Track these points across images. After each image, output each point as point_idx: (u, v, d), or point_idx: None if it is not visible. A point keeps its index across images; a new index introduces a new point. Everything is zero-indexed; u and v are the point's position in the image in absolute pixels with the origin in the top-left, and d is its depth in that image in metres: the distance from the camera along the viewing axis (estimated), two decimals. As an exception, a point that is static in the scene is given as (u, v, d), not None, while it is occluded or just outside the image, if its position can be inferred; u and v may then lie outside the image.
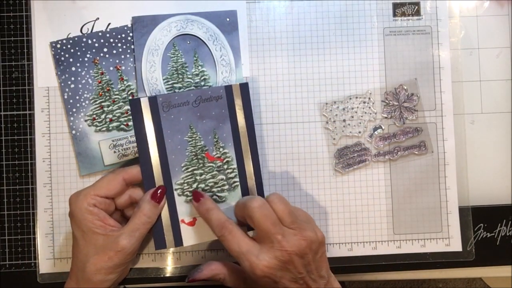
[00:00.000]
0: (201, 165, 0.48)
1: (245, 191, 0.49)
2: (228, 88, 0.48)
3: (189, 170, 0.48)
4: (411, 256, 0.52)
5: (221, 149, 0.48)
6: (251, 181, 0.49)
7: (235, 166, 0.49)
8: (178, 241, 0.48)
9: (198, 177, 0.48)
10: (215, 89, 0.48)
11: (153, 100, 0.47)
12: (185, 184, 0.48)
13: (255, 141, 0.49)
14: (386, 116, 0.52)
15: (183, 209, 0.48)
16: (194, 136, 0.48)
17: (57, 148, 0.51)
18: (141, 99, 0.47)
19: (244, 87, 0.48)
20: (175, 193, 0.48)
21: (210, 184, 0.48)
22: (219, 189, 0.49)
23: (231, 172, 0.49)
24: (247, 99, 0.48)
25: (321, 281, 0.43)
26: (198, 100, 0.48)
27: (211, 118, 0.48)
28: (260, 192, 0.49)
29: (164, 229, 0.48)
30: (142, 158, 0.47)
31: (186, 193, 0.48)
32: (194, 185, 0.48)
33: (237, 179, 0.49)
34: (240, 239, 0.42)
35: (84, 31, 0.51)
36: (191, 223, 0.48)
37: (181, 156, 0.48)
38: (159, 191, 0.46)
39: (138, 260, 0.51)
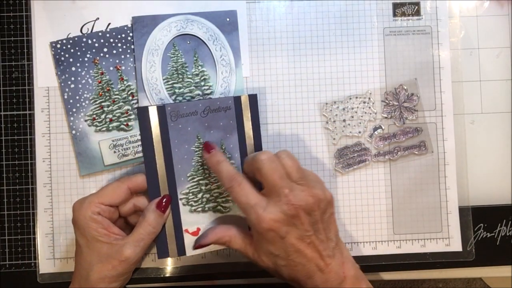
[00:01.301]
0: (207, 175, 0.48)
1: None
2: (237, 99, 0.48)
3: (195, 180, 0.48)
4: (411, 256, 0.52)
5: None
6: None
7: None
8: (181, 250, 0.48)
9: (203, 187, 0.48)
10: (224, 99, 0.48)
11: (161, 109, 0.47)
12: (190, 194, 0.48)
13: None
14: (386, 116, 0.52)
15: (188, 218, 0.48)
16: (201, 146, 0.48)
17: (57, 148, 0.51)
18: (149, 107, 0.47)
19: (253, 99, 0.48)
20: (180, 202, 0.47)
21: (215, 195, 0.48)
22: (223, 199, 0.48)
23: None
24: (255, 111, 0.48)
25: (330, 244, 0.42)
26: (206, 110, 0.47)
27: (219, 128, 0.48)
28: None
29: (168, 238, 0.47)
30: (148, 167, 0.47)
31: (191, 202, 0.48)
32: (199, 195, 0.48)
33: None
34: (248, 192, 0.42)
35: (84, 31, 0.51)
36: (195, 233, 0.48)
37: (187, 166, 0.47)
38: (164, 200, 0.46)
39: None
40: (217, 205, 0.48)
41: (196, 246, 0.46)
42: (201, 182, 0.48)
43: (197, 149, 0.47)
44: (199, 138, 0.47)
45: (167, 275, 0.51)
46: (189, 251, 0.48)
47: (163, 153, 0.47)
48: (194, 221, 0.48)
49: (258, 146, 0.49)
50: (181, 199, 0.47)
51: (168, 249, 0.47)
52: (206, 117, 0.47)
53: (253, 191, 0.42)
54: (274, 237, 0.41)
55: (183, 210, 0.48)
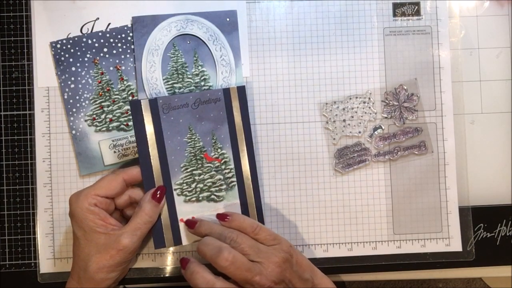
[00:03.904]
0: (200, 165, 0.49)
1: (242, 191, 0.49)
2: (226, 91, 0.49)
3: (188, 170, 0.48)
4: (411, 256, 0.52)
5: (219, 150, 0.49)
6: (248, 181, 0.49)
7: (232, 166, 0.49)
8: (177, 240, 0.48)
9: (196, 177, 0.49)
10: (214, 91, 0.49)
11: (153, 102, 0.47)
12: (184, 184, 0.48)
13: (252, 142, 0.50)
14: (386, 116, 0.52)
15: (182, 208, 0.48)
16: (193, 137, 0.48)
17: (57, 148, 0.51)
18: (142, 100, 0.47)
19: (241, 90, 0.49)
20: (174, 193, 0.48)
21: (208, 184, 0.49)
22: (217, 188, 0.49)
23: (228, 172, 0.49)
24: (244, 101, 0.49)
25: (307, 286, 0.44)
26: (197, 102, 0.48)
27: (210, 119, 0.49)
28: (256, 191, 0.50)
29: (163, 228, 0.48)
30: (142, 158, 0.47)
31: (185, 193, 0.48)
32: (193, 185, 0.48)
33: (234, 179, 0.49)
34: None
35: (84, 31, 0.51)
36: None
37: (180, 157, 0.48)
38: (159, 191, 0.47)
39: (138, 260, 0.51)
40: (210, 194, 0.49)
41: None
42: (194, 172, 0.49)
43: (189, 140, 0.48)
44: (191, 129, 0.48)
45: (167, 275, 0.51)
46: (185, 241, 0.49)
47: (156, 145, 0.48)
48: (189, 211, 0.49)
49: (248, 137, 0.49)
50: (175, 189, 0.48)
51: (165, 239, 0.48)
52: (197, 108, 0.48)
53: None
54: None
55: (178, 200, 0.48)
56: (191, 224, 0.47)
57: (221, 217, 0.46)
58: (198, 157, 0.49)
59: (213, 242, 0.44)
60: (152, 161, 0.48)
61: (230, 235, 0.44)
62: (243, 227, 0.45)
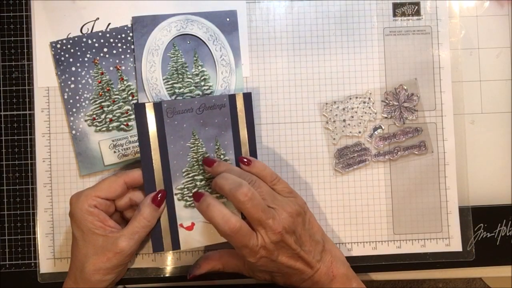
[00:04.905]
0: (202, 171, 0.48)
1: None
2: (232, 97, 0.49)
3: (190, 175, 0.48)
4: (411, 256, 0.52)
5: (222, 156, 0.49)
6: None
7: None
8: (175, 244, 0.48)
9: (198, 183, 0.48)
10: (219, 97, 0.48)
11: (157, 106, 0.47)
12: (185, 189, 0.48)
13: (256, 149, 0.49)
14: (386, 116, 0.52)
15: (182, 213, 0.48)
16: (197, 142, 0.48)
17: (57, 148, 0.51)
18: (146, 104, 0.47)
19: (247, 97, 0.49)
20: (175, 197, 0.48)
21: (209, 190, 0.49)
22: (218, 195, 0.49)
23: None
24: (250, 109, 0.49)
25: (317, 248, 0.45)
26: (202, 107, 0.48)
27: (214, 125, 0.48)
28: None
29: (163, 233, 0.48)
30: (144, 162, 0.47)
31: (185, 198, 0.48)
32: (194, 191, 0.48)
33: None
34: (249, 235, 0.42)
35: (84, 31, 0.51)
36: (190, 228, 0.48)
37: (182, 162, 0.48)
38: (159, 195, 0.47)
39: (138, 260, 0.51)
40: None
41: (190, 277, 0.48)
42: (196, 178, 0.48)
43: (192, 146, 0.48)
44: (194, 134, 0.48)
45: (167, 275, 0.51)
46: (184, 246, 0.48)
47: (159, 149, 0.47)
48: (189, 216, 0.48)
49: (252, 144, 0.49)
50: (176, 194, 0.48)
51: (163, 243, 0.48)
52: (202, 114, 0.48)
53: (250, 232, 0.42)
54: (267, 261, 0.43)
55: (178, 205, 0.48)
56: (209, 162, 0.47)
57: (242, 160, 0.47)
58: (200, 163, 0.48)
59: (233, 177, 0.44)
60: (154, 164, 0.47)
61: (249, 177, 0.45)
62: (263, 175, 0.46)
